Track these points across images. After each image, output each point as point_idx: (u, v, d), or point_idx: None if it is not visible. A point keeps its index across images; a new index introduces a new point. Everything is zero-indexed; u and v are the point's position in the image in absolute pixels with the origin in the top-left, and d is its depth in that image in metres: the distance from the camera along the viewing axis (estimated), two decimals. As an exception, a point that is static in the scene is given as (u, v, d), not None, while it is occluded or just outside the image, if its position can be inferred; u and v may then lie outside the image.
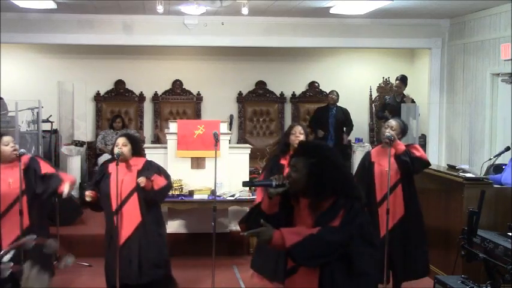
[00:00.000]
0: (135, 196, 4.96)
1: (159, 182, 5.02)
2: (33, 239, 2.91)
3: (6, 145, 4.79)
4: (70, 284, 5.84)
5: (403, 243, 5.18)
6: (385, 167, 5.13)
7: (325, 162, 2.90)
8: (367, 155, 5.50)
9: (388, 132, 5.18)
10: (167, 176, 5.20)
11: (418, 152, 5.20)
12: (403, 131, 5.31)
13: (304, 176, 2.89)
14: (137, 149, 5.18)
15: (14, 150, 4.81)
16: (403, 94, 8.84)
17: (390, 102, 8.92)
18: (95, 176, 5.29)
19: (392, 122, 5.30)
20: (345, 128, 9.40)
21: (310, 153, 2.93)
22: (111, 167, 5.01)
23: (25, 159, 4.94)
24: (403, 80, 8.89)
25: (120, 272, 4.92)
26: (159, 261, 5.11)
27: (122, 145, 5.01)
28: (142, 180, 4.92)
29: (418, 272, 5.29)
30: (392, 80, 9.75)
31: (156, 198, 5.13)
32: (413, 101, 8.59)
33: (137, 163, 5.09)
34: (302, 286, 2.89)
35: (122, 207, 4.94)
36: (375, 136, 10.02)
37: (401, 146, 5.14)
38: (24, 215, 4.82)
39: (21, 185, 4.79)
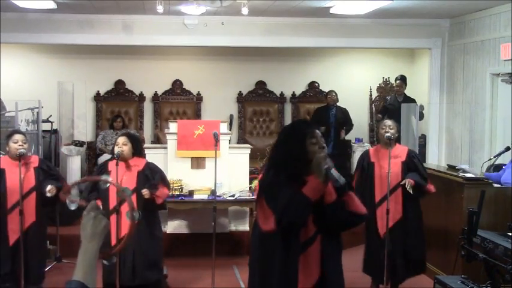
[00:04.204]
0: (133, 197, 4.92)
1: (162, 195, 5.02)
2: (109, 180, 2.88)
3: (15, 143, 5.01)
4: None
5: (402, 244, 5.19)
6: (386, 169, 5.13)
7: None
8: (366, 154, 5.49)
9: (388, 133, 5.20)
10: (168, 184, 5.21)
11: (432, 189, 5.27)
12: (399, 129, 5.38)
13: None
14: (138, 149, 5.17)
15: (18, 149, 4.98)
16: (404, 94, 8.85)
17: (392, 102, 8.92)
18: (94, 173, 5.29)
19: (389, 122, 5.31)
20: (344, 127, 9.38)
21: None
22: (111, 166, 5.01)
23: (34, 158, 5.21)
24: (403, 79, 8.91)
25: (114, 272, 4.91)
26: (154, 263, 5.08)
27: (122, 144, 5.01)
28: (146, 193, 4.92)
29: (415, 271, 5.33)
30: (392, 80, 9.75)
31: (158, 209, 5.14)
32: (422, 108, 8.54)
33: (137, 163, 5.08)
34: (314, 257, 3.10)
35: (120, 206, 4.92)
36: (375, 136, 10.02)
37: (431, 188, 5.23)
38: (31, 211, 5.05)
39: (21, 186, 4.96)
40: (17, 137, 5.05)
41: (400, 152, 5.29)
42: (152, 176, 5.08)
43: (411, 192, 5.10)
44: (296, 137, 3.14)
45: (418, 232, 5.30)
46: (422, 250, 5.34)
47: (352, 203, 3.13)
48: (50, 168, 5.26)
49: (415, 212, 5.29)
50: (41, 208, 5.18)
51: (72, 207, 2.12)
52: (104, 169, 5.11)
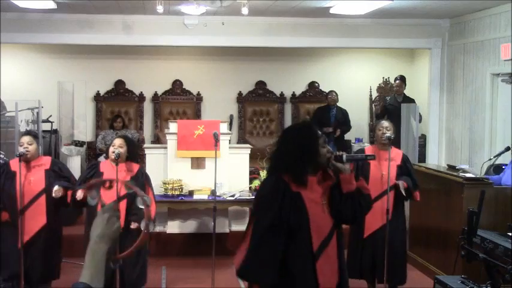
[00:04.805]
0: (123, 202, 4.83)
1: (152, 213, 4.91)
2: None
3: (21, 145, 5.03)
4: (69, 284, 5.82)
5: (384, 248, 5.13)
6: (382, 170, 5.11)
7: None
8: (361, 152, 5.45)
9: (387, 133, 5.19)
10: (153, 193, 5.14)
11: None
12: (395, 131, 5.38)
13: None
14: (133, 153, 5.13)
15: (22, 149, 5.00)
16: (404, 94, 8.85)
17: (391, 102, 8.92)
18: (85, 172, 5.25)
19: (385, 123, 5.29)
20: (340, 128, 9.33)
21: None
22: (103, 167, 4.99)
23: (46, 160, 5.21)
24: (402, 79, 8.93)
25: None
26: (131, 270, 4.97)
27: (118, 146, 4.98)
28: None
29: (396, 280, 5.25)
30: (392, 80, 9.75)
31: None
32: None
33: (130, 168, 5.05)
34: (332, 258, 3.05)
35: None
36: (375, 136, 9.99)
37: (417, 195, 5.23)
38: (41, 214, 5.05)
39: (20, 186, 4.94)
40: (23, 139, 5.08)
41: (395, 155, 5.25)
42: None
43: (404, 193, 5.10)
44: (310, 140, 3.09)
45: (401, 240, 5.26)
46: (403, 259, 5.30)
47: (365, 185, 3.22)
48: (61, 169, 5.21)
49: (401, 219, 5.27)
50: (54, 210, 5.14)
51: (93, 203, 2.18)
52: (95, 169, 5.08)
